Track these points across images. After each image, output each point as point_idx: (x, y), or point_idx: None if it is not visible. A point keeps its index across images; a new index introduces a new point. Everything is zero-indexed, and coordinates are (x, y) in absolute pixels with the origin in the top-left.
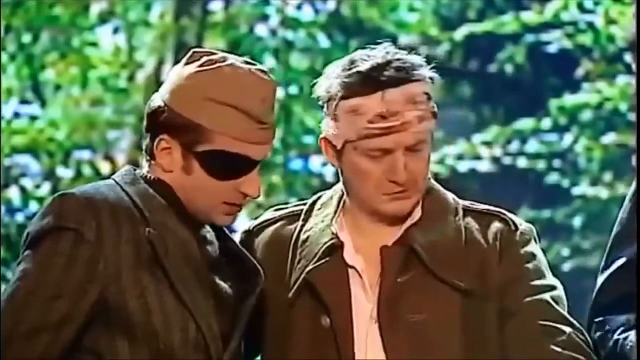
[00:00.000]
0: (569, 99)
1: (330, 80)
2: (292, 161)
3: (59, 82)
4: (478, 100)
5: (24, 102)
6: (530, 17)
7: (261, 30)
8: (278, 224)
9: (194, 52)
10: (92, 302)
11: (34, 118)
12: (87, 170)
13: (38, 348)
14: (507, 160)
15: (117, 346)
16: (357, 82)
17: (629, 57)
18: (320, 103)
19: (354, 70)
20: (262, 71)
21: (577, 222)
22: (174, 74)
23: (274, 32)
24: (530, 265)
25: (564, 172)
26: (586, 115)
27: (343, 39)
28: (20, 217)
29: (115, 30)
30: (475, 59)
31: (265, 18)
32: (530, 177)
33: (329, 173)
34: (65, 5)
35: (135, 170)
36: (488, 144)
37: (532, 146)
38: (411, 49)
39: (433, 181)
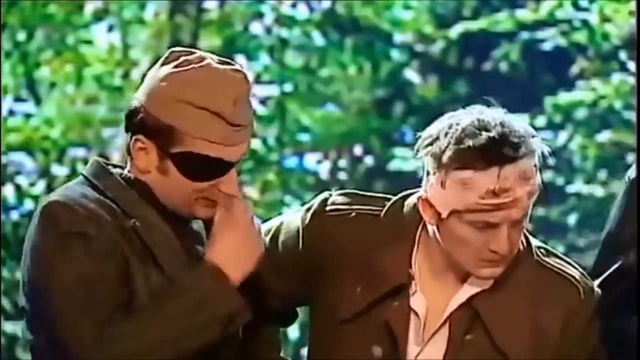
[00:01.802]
0: (564, 97)
1: (440, 145)
2: (287, 159)
3: (53, 79)
4: (473, 97)
5: (18, 99)
6: (524, 14)
7: (256, 27)
8: (353, 219)
9: (172, 52)
10: (117, 293)
11: (28, 116)
12: (81, 168)
13: (89, 345)
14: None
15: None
16: (471, 156)
17: (623, 55)
18: (421, 158)
19: (469, 144)
20: (237, 71)
21: (572, 220)
22: (151, 75)
23: (268, 30)
24: (588, 345)
25: (558, 170)
26: (581, 113)
27: (338, 36)
28: (14, 215)
29: (110, 28)
30: (470, 57)
31: (260, 16)
32: None
33: (324, 170)
34: (59, 3)
35: (104, 163)
36: None
37: None
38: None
39: None
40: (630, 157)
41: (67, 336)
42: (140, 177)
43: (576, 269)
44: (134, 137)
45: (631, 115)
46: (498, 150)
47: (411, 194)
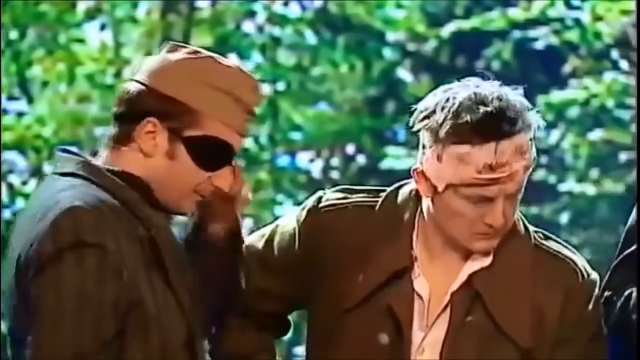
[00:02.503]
0: (556, 95)
1: (437, 119)
2: (279, 157)
3: (45, 78)
4: None
5: (10, 98)
6: (516, 13)
7: (248, 26)
8: (349, 211)
9: (172, 44)
10: (124, 312)
11: (20, 114)
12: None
13: None
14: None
15: (133, 354)
16: (468, 131)
17: (615, 54)
18: (416, 132)
19: (466, 118)
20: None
21: (564, 218)
22: (157, 60)
23: (260, 29)
24: (586, 329)
25: (550, 169)
26: (573, 112)
27: (330, 35)
28: (7, 214)
29: (102, 27)
30: (462, 56)
31: (252, 14)
32: None
33: (316, 169)
34: (52, 2)
35: (87, 161)
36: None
37: None
38: (515, 88)
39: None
40: (623, 156)
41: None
42: (128, 170)
43: (574, 253)
44: (143, 120)
45: (623, 114)
46: (495, 125)
47: (405, 184)
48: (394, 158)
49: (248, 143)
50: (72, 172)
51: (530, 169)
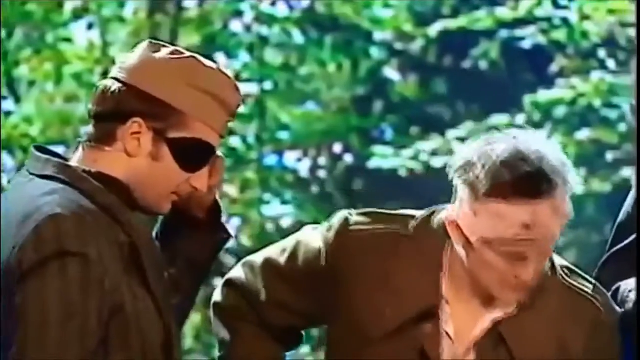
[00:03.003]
0: (543, 95)
1: (476, 174)
2: (266, 156)
3: (32, 77)
4: (452, 95)
5: None
6: (504, 12)
7: (235, 26)
8: (378, 236)
9: (153, 43)
10: (107, 320)
11: (7, 113)
12: None
13: None
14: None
15: (111, 353)
16: (507, 189)
17: (603, 53)
18: (453, 180)
19: (505, 176)
20: None
21: None
22: (140, 58)
23: (248, 28)
24: None
25: None
26: (560, 111)
27: (317, 34)
28: None
29: (90, 26)
30: (450, 55)
31: (239, 14)
32: None
33: (304, 168)
34: (39, 2)
35: (66, 164)
36: (462, 140)
37: None
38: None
39: None
40: (610, 155)
41: None
42: (108, 171)
43: (597, 286)
44: (130, 120)
45: (611, 113)
46: (535, 185)
47: (437, 211)
48: (381, 157)
49: (235, 142)
50: (51, 175)
51: (565, 225)
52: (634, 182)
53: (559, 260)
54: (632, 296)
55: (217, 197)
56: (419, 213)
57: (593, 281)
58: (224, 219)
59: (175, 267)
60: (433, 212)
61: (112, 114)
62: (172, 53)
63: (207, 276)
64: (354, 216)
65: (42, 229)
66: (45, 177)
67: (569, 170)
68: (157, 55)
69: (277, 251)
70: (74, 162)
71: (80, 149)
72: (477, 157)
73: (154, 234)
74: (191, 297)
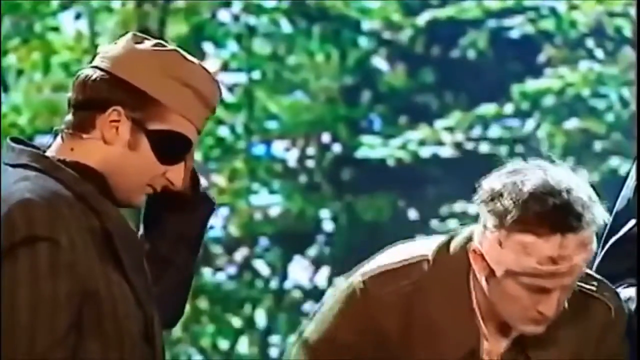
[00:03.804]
0: (531, 84)
1: (503, 204)
2: (255, 146)
3: (20, 67)
4: (440, 85)
5: None
6: (492, 2)
7: (223, 15)
8: (396, 282)
9: (135, 34)
10: (78, 305)
11: None
12: None
13: None
14: (469, 146)
15: (90, 347)
16: (535, 222)
17: (591, 43)
18: (481, 211)
19: (534, 209)
20: None
21: None
22: (124, 48)
23: (236, 18)
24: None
25: (526, 158)
26: (548, 101)
27: (305, 24)
28: None
29: (77, 16)
30: (438, 45)
31: (227, 4)
32: (492, 162)
33: (292, 158)
34: None
35: (41, 153)
36: (450, 129)
37: (494, 131)
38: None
39: None
40: (598, 145)
41: None
42: (83, 162)
43: (606, 285)
44: (111, 108)
45: (599, 103)
46: (563, 219)
47: (451, 238)
48: (369, 147)
49: (224, 132)
50: (24, 164)
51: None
52: (632, 173)
53: None
54: (631, 306)
55: (193, 168)
56: (430, 248)
57: (599, 278)
58: (203, 188)
59: (167, 245)
60: (448, 242)
61: (91, 102)
62: (155, 45)
63: (199, 248)
64: (367, 281)
65: (12, 214)
66: (19, 166)
67: (597, 204)
68: (140, 46)
69: (312, 331)
70: (51, 151)
71: (59, 137)
72: (505, 188)
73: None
74: (188, 271)
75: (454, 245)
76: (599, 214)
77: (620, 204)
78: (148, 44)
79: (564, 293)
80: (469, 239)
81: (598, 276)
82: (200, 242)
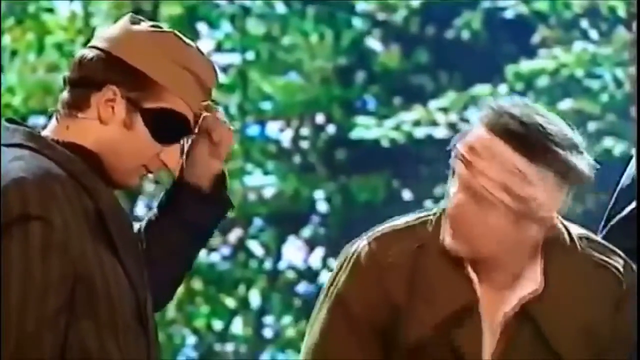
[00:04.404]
0: (525, 65)
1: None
2: (249, 127)
3: (14, 47)
4: (434, 66)
5: None
6: None
7: None
8: (400, 242)
9: (133, 16)
10: (71, 286)
11: None
12: None
13: (46, 344)
14: (463, 126)
15: (83, 328)
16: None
17: (585, 23)
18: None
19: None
20: None
21: None
22: (122, 28)
23: None
24: (629, 337)
25: None
26: (542, 81)
27: (300, 5)
28: None
29: None
30: (432, 25)
31: None
32: None
33: (286, 139)
34: None
35: (35, 132)
36: (444, 110)
37: None
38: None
39: (559, 224)
40: (592, 125)
41: None
42: (78, 142)
43: (618, 255)
44: (105, 87)
45: (593, 83)
46: (503, 122)
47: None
48: (364, 128)
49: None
50: (19, 144)
51: (521, 205)
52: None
53: (575, 230)
54: None
55: (224, 168)
56: (432, 211)
57: (613, 249)
58: (228, 189)
59: (177, 235)
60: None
61: (87, 81)
62: (152, 27)
63: (205, 245)
64: (372, 243)
65: (5, 193)
66: (14, 146)
67: (559, 149)
68: (138, 27)
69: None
70: (47, 130)
71: (54, 117)
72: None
73: (157, 203)
74: (188, 263)
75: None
76: (562, 159)
77: (622, 184)
78: (145, 25)
79: (464, 196)
80: None
81: (613, 247)
82: (208, 240)
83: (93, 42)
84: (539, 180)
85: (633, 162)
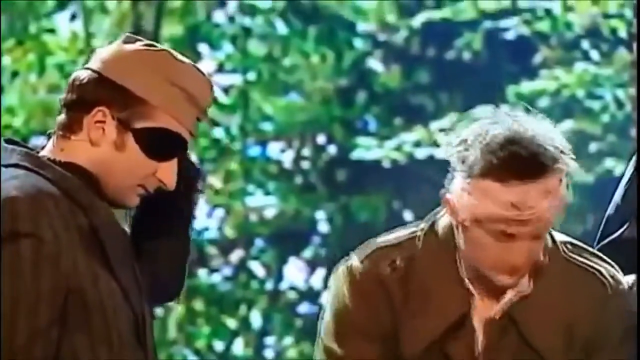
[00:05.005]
0: (526, 86)
1: (470, 153)
2: (250, 147)
3: (15, 68)
4: (435, 86)
5: None
6: (487, 3)
7: (219, 16)
8: (390, 257)
9: (128, 35)
10: (62, 300)
11: None
12: None
13: (37, 357)
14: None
15: (76, 342)
16: (498, 169)
17: (586, 44)
18: (452, 166)
19: (498, 156)
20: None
21: None
22: (113, 49)
23: (231, 19)
24: (615, 336)
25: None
26: (543, 102)
27: (301, 25)
28: None
29: (73, 17)
30: (433, 46)
31: (222, 4)
32: None
33: (287, 159)
34: None
35: (32, 152)
36: (445, 131)
37: None
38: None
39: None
40: (593, 146)
41: None
42: (73, 161)
43: (604, 261)
44: (95, 109)
45: (594, 104)
46: (524, 166)
47: (436, 218)
48: (365, 148)
49: (219, 133)
50: (15, 164)
51: (560, 210)
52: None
53: (560, 237)
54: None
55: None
56: (419, 226)
57: (596, 253)
58: (192, 157)
59: (161, 219)
60: (434, 219)
61: (78, 102)
62: (146, 45)
63: (193, 218)
64: (365, 260)
65: None
66: (11, 166)
67: (565, 153)
68: (130, 46)
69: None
70: (44, 151)
71: (51, 139)
72: (473, 137)
73: None
74: (183, 243)
75: (441, 215)
76: (565, 161)
77: (610, 209)
78: (138, 44)
79: (534, 243)
80: None
81: (599, 253)
82: (193, 214)
83: (89, 63)
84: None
85: (619, 190)
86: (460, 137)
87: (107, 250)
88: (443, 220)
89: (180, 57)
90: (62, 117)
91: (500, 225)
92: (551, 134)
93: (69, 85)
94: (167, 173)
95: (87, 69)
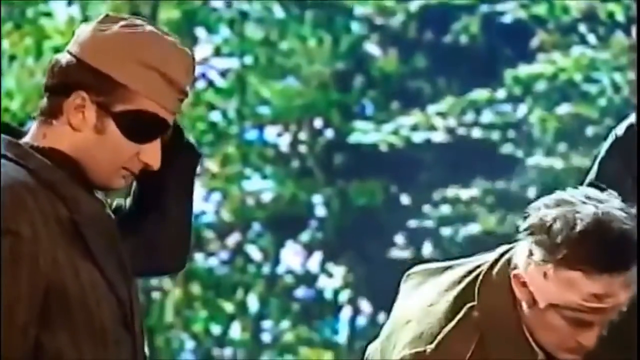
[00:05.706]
0: (523, 70)
1: (553, 237)
2: (247, 131)
3: (13, 52)
4: (432, 70)
5: None
6: None
7: (216, 1)
8: (456, 347)
9: (108, 15)
10: (42, 298)
11: None
12: None
13: (16, 356)
14: (461, 131)
15: (59, 339)
16: (584, 259)
17: (583, 28)
18: (525, 236)
19: (586, 246)
20: (180, 45)
21: (531, 192)
22: (91, 32)
23: (228, 3)
24: None
25: (518, 143)
26: (540, 86)
27: (298, 9)
28: None
29: (69, 1)
30: (430, 30)
31: None
32: (484, 147)
33: (284, 143)
34: None
35: (14, 141)
36: (442, 115)
37: (487, 116)
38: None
39: None
40: (590, 130)
41: None
42: (61, 143)
43: None
44: (72, 94)
45: (591, 88)
46: (612, 260)
47: (489, 270)
48: (362, 132)
49: (216, 117)
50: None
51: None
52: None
53: None
54: None
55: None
56: (468, 291)
57: None
58: (189, 138)
59: (166, 193)
60: (486, 273)
61: (58, 87)
62: (124, 26)
63: (192, 194)
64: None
65: None
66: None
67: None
68: (108, 28)
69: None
70: (27, 137)
71: (35, 123)
72: (555, 222)
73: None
74: (185, 218)
75: (495, 281)
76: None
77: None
78: (117, 25)
79: (604, 325)
80: (508, 264)
81: None
82: (192, 189)
83: (68, 46)
84: None
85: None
86: (539, 219)
87: (89, 241)
88: (497, 278)
89: (161, 37)
90: (43, 101)
91: (578, 314)
92: (631, 221)
93: (49, 70)
94: (151, 154)
95: (68, 52)
